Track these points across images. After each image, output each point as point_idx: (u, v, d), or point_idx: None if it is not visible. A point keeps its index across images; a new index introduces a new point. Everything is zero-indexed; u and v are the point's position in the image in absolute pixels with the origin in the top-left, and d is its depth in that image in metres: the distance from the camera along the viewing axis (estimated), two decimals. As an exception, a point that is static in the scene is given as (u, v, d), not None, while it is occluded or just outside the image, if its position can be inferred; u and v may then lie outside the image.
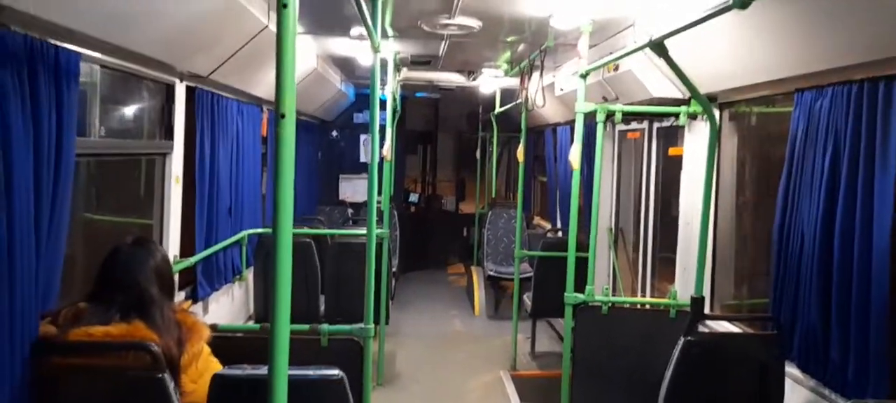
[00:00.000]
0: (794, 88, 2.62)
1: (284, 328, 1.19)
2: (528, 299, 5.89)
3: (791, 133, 2.64)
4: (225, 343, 2.43)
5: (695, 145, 3.67)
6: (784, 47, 2.52)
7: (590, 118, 3.54)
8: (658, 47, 2.41)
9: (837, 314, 2.36)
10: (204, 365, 2.06)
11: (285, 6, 1.01)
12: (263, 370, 1.85)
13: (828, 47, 2.32)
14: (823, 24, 2.26)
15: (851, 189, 2.28)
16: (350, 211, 7.57)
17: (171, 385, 1.91)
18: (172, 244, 3.28)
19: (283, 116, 1.04)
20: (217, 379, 1.92)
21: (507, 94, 6.55)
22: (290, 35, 1.04)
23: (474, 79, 6.43)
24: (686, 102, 3.58)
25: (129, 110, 3.14)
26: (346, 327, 2.90)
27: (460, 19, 3.51)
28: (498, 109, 6.79)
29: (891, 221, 2.15)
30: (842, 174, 2.32)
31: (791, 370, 2.63)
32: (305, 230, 4.99)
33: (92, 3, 2.09)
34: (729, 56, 2.92)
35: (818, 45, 2.35)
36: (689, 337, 2.54)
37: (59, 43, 2.00)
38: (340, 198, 8.47)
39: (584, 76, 3.38)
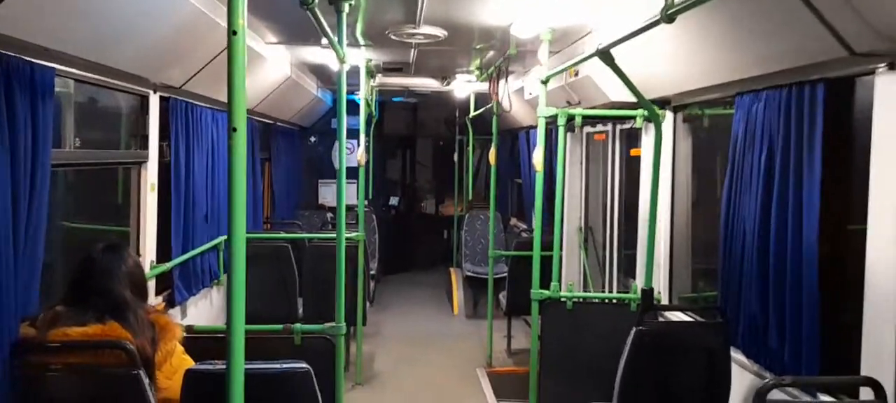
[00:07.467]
0: (736, 92, 2.79)
1: (239, 326, 1.31)
2: (503, 298, 6.05)
3: (733, 134, 2.81)
4: (201, 344, 2.55)
5: (651, 146, 3.84)
6: (724, 53, 2.69)
7: (552, 121, 3.70)
8: (605, 56, 2.57)
9: (774, 303, 2.53)
10: (178, 362, 2.18)
11: (235, 33, 1.15)
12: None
13: (762, 54, 2.49)
14: (756, 33, 2.42)
15: (784, 187, 2.45)
16: (329, 215, 7.68)
17: (147, 382, 2.03)
18: (149, 250, 3.38)
19: (234, 130, 1.17)
20: (189, 374, 2.04)
21: (482, 98, 6.71)
22: (241, 58, 1.17)
23: (448, 85, 6.58)
24: (644, 105, 3.75)
25: (104, 121, 3.25)
26: (319, 326, 3.03)
27: (426, 29, 3.66)
28: (472, 113, 6.95)
29: (818, 217, 2.32)
30: (776, 173, 2.49)
31: (737, 356, 2.80)
32: (282, 235, 5.10)
33: (65, 22, 2.20)
34: (678, 62, 3.08)
35: (753, 51, 2.52)
36: (640, 327, 2.70)
37: (34, 60, 2.11)
38: (320, 202, 8.60)
39: (544, 82, 3.54)
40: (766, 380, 1.92)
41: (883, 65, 2.04)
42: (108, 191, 3.75)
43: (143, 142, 3.34)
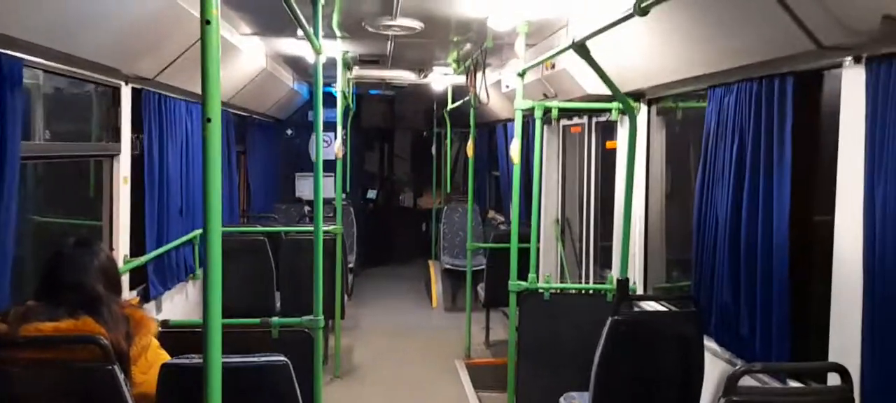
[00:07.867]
0: (708, 85, 2.84)
1: (216, 319, 1.30)
2: (481, 290, 6.08)
3: (705, 126, 2.86)
4: (177, 338, 2.52)
5: (626, 139, 3.88)
6: (696, 46, 2.73)
7: (529, 114, 3.72)
8: (580, 49, 2.59)
9: (745, 292, 2.58)
10: (153, 357, 2.15)
11: (209, 22, 1.14)
12: (209, 358, 1.96)
13: (733, 47, 2.53)
14: (728, 26, 2.47)
15: (755, 178, 2.50)
16: (306, 208, 7.63)
17: (122, 377, 2.00)
18: (122, 244, 3.33)
19: (209, 121, 1.16)
20: (165, 369, 2.02)
21: (459, 91, 6.71)
22: (214, 48, 1.16)
23: (425, 77, 6.57)
24: (620, 98, 3.79)
25: (74, 113, 3.19)
26: (297, 319, 3.02)
27: (402, 20, 3.65)
28: (450, 106, 6.96)
29: (788, 207, 2.37)
30: (747, 164, 2.54)
31: (710, 344, 2.85)
32: (258, 228, 5.06)
33: (34, 11, 2.15)
34: (652, 55, 3.12)
35: (725, 45, 2.56)
36: (615, 317, 2.73)
37: (1, 50, 2.06)
38: (297, 195, 8.54)
39: (521, 75, 3.56)
40: (738, 367, 1.96)
41: (849, 58, 2.09)
42: (80, 185, 3.68)
43: (115, 135, 3.28)
